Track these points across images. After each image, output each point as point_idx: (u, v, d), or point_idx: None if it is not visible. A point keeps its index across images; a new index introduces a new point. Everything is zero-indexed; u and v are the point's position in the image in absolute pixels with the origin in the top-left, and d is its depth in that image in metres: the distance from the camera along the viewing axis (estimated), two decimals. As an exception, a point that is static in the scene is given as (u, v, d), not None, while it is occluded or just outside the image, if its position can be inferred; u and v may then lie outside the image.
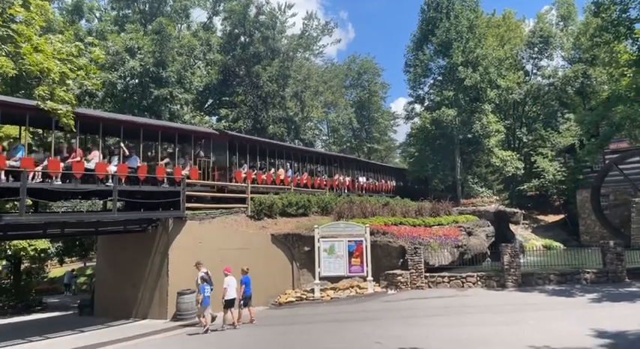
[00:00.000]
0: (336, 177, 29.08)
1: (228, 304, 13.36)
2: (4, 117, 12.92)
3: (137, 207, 16.02)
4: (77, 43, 12.02)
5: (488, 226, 26.38)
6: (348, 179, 30.27)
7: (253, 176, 21.74)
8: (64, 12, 33.39)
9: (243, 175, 21.18)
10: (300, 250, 18.52)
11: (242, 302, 13.72)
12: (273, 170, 23.85)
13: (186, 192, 16.54)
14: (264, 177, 22.59)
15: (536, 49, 43.23)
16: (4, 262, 29.87)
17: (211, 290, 13.43)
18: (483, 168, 39.08)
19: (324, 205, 22.12)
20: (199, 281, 13.33)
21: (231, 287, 13.41)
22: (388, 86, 59.77)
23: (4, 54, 9.60)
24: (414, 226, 21.19)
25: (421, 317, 12.83)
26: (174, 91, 29.85)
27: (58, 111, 10.75)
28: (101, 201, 14.62)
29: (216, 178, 19.71)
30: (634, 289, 15.26)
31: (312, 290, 17.22)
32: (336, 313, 14.53)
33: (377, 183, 34.14)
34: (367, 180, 33.01)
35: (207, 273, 13.67)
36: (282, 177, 23.70)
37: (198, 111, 34.47)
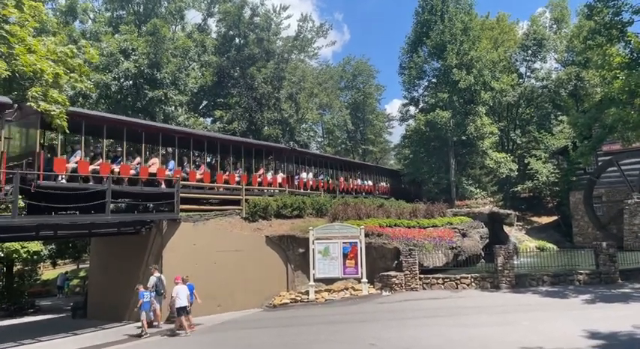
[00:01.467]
0: (261, 172, 22.91)
1: (179, 312, 13.50)
2: None
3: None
4: (71, 45, 11.99)
5: (482, 228, 26.50)
6: (280, 176, 23.86)
7: (114, 167, 15.61)
8: (58, 13, 33.15)
9: (92, 167, 14.87)
10: (294, 252, 18.50)
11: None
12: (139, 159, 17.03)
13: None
14: (116, 168, 15.65)
15: (529, 51, 43.49)
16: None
17: (157, 295, 14.42)
18: (477, 169, 39.31)
19: (319, 207, 22.12)
20: (148, 286, 14.25)
21: (181, 296, 13.54)
22: (383, 88, 60.04)
23: (-3, 55, 9.55)
24: (409, 228, 21.30)
25: (416, 319, 12.85)
26: (168, 93, 29.70)
27: (52, 113, 10.68)
28: (96, 202, 14.13)
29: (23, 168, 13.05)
30: (627, 290, 15.38)
31: (307, 292, 17.21)
32: (331, 315, 14.53)
33: (332, 181, 28.69)
34: (317, 177, 27.67)
35: (159, 279, 14.61)
36: (152, 170, 16.97)
37: (192, 112, 34.38)
